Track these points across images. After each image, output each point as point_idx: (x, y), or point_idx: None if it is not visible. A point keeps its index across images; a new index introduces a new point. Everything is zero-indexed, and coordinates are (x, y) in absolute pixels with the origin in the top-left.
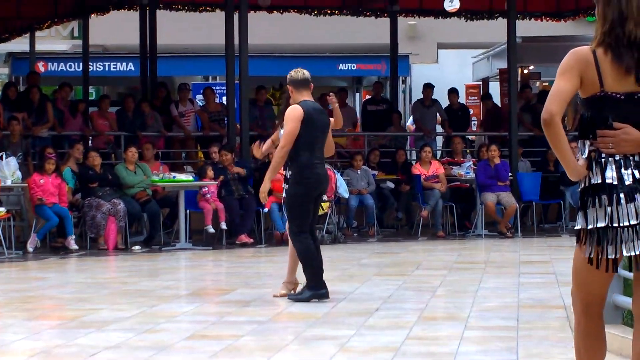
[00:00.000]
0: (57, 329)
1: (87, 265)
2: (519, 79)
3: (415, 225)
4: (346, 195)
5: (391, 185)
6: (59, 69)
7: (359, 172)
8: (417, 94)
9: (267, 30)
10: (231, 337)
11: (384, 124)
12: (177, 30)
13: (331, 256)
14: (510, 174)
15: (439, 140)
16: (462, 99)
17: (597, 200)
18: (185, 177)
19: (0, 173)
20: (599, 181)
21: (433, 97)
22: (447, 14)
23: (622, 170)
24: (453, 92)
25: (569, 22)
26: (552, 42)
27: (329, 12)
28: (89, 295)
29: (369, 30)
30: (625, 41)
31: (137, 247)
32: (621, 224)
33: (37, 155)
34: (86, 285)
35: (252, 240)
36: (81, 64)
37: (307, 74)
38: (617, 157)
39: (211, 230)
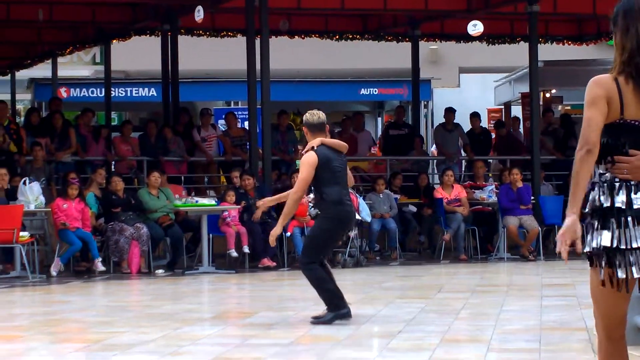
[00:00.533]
0: (82, 352)
1: (111, 289)
2: (541, 102)
3: (438, 248)
4: (369, 219)
5: (413, 209)
6: (81, 95)
7: (381, 196)
8: (439, 118)
9: (288, 55)
10: (254, 359)
11: (406, 148)
12: (199, 55)
13: (354, 279)
14: (532, 198)
15: (462, 164)
16: (484, 123)
17: (605, 222)
18: (207, 202)
19: (23, 198)
20: (609, 205)
21: (455, 121)
22: (468, 38)
23: (632, 195)
24: (475, 116)
25: (590, 45)
26: (574, 65)
27: (350, 36)
28: (112, 318)
29: (391, 55)
30: None
31: (160, 271)
32: (628, 247)
33: (60, 180)
34: (110, 309)
35: (274, 263)
36: (103, 89)
37: (322, 117)
38: (630, 183)
39: (234, 254)
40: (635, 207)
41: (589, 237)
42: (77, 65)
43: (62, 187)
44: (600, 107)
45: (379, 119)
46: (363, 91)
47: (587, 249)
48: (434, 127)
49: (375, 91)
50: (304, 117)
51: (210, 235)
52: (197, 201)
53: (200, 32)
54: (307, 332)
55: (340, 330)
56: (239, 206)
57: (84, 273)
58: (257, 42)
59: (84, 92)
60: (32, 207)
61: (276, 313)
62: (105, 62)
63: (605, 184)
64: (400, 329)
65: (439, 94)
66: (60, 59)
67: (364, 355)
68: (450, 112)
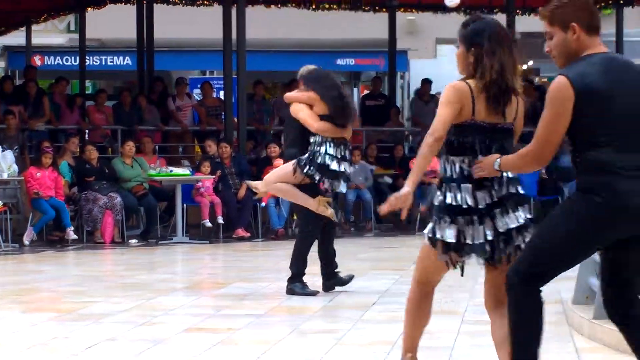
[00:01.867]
0: (54, 322)
1: (84, 259)
2: None
3: (413, 220)
4: (344, 190)
5: (389, 180)
6: (56, 63)
7: (356, 167)
8: (416, 89)
9: (265, 25)
10: (227, 330)
11: (382, 119)
12: (175, 24)
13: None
14: None
15: None
16: None
17: (452, 218)
18: (182, 171)
19: None
20: (456, 203)
21: (431, 92)
22: (446, 9)
23: (479, 195)
24: None
25: None
26: None
27: (327, 6)
28: (85, 288)
29: (368, 25)
30: (503, 87)
31: (133, 241)
32: (471, 242)
33: (34, 149)
34: (83, 278)
35: (249, 234)
36: (78, 57)
37: (308, 67)
38: (479, 183)
39: (208, 224)
40: (480, 206)
41: (435, 225)
42: (51, 33)
43: (36, 156)
44: (453, 109)
45: (355, 90)
46: (339, 61)
47: (430, 235)
48: (410, 98)
49: (352, 62)
50: (300, 71)
51: (185, 205)
52: (171, 171)
53: (176, 0)
54: (281, 303)
55: (314, 301)
56: (213, 176)
57: (57, 242)
58: (233, 11)
59: (58, 61)
60: (4, 176)
61: (250, 284)
62: (79, 30)
63: (457, 183)
64: (374, 300)
65: (416, 65)
66: (34, 27)
67: (338, 327)
68: (426, 83)
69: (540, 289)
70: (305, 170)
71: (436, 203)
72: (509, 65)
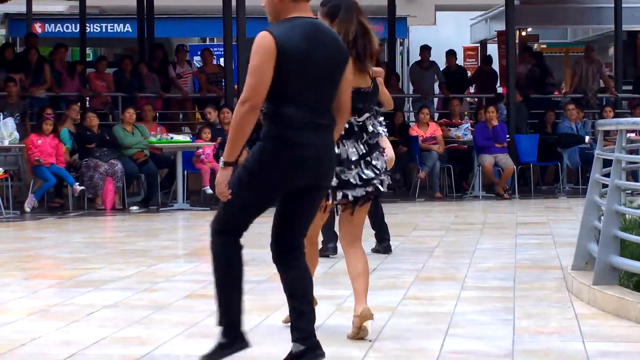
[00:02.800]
0: (55, 288)
1: (85, 225)
2: (517, 41)
3: (413, 186)
4: None
5: None
6: (56, 30)
7: None
8: (415, 56)
9: None
10: None
11: None
12: None
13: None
14: (507, 136)
15: (436, 101)
16: (459, 61)
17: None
18: (182, 138)
19: None
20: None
21: (431, 59)
22: None
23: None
24: (451, 54)
25: None
26: (551, 3)
27: None
28: (86, 255)
29: None
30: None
31: (134, 208)
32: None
33: (35, 116)
34: (84, 245)
35: None
36: (78, 25)
37: None
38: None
39: (209, 191)
40: (353, 158)
41: None
42: (51, 1)
43: (37, 123)
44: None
45: None
46: None
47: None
48: (410, 65)
49: None
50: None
51: (185, 172)
52: (172, 138)
53: None
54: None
55: (316, 268)
56: (214, 143)
57: (58, 209)
58: None
59: (59, 28)
60: (5, 143)
61: (250, 250)
62: None
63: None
64: (375, 266)
65: (415, 32)
66: None
67: (339, 293)
68: (426, 50)
69: (237, 237)
70: None
71: None
72: (363, 31)
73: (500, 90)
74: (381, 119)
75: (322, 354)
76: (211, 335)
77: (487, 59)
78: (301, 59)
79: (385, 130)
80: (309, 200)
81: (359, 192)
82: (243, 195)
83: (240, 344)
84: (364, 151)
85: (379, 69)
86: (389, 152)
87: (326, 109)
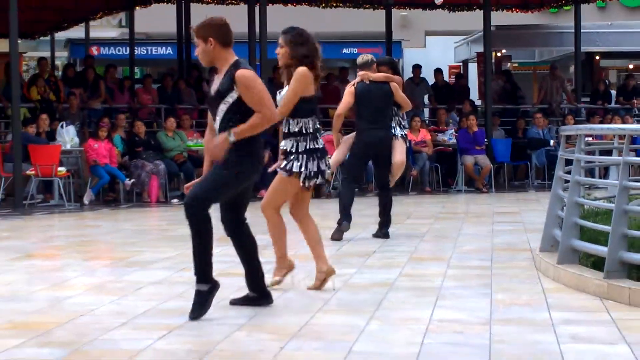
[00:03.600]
0: (109, 268)
1: (134, 215)
2: (493, 60)
3: (407, 182)
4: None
5: None
6: (109, 53)
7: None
8: (408, 73)
9: (282, 19)
10: None
11: None
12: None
13: (336, 208)
14: (485, 140)
15: (426, 112)
16: (445, 77)
17: (311, 157)
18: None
19: (61, 139)
20: (314, 147)
21: (421, 76)
22: (433, 6)
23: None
24: (438, 72)
25: (535, 13)
26: (521, 29)
27: (334, 4)
28: (135, 240)
29: (368, 20)
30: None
31: (175, 200)
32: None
33: (92, 124)
34: (133, 232)
35: None
36: (128, 48)
37: (367, 57)
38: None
39: None
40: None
41: (295, 164)
42: (106, 28)
43: (94, 130)
44: (310, 90)
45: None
46: (344, 50)
47: (296, 169)
48: (404, 81)
49: (355, 50)
50: (357, 61)
51: None
52: None
53: (209, 0)
54: (297, 251)
55: (325, 250)
56: None
57: (111, 202)
58: (257, 8)
59: (112, 51)
60: (68, 147)
61: (265, 236)
62: (129, 25)
63: (310, 135)
64: (375, 249)
65: (408, 53)
66: (92, 23)
67: (345, 271)
68: (417, 68)
69: (209, 211)
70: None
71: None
72: (319, 54)
73: (479, 102)
74: (404, 122)
75: (272, 301)
76: (239, 307)
77: (459, 76)
78: None
79: (404, 132)
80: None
81: (320, 179)
82: (220, 184)
83: (212, 292)
84: (307, 147)
85: (398, 77)
86: (400, 156)
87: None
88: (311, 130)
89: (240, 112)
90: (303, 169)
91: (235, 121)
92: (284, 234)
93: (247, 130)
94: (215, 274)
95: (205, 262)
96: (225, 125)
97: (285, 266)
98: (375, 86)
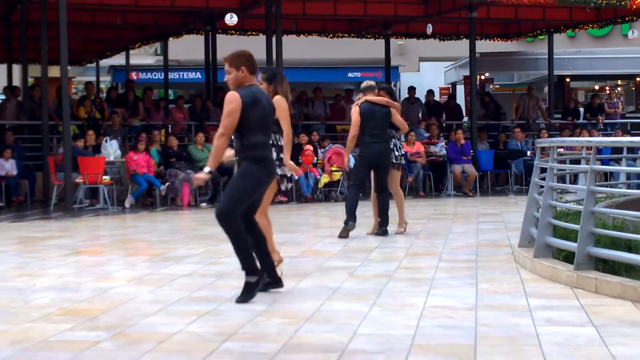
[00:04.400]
0: (147, 262)
1: (168, 217)
2: (477, 83)
3: (403, 188)
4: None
5: None
6: (147, 77)
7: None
8: (404, 94)
9: (296, 48)
10: None
11: None
12: (232, 48)
13: (343, 210)
14: (472, 151)
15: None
16: (436, 97)
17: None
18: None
19: (105, 151)
20: (280, 156)
21: (416, 96)
22: (425, 36)
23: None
24: (430, 93)
25: (514, 41)
26: (502, 56)
27: (340, 35)
28: (169, 238)
29: (369, 48)
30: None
31: (204, 204)
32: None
33: (132, 139)
34: (168, 231)
35: (286, 198)
36: (163, 73)
37: (370, 83)
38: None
39: None
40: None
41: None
42: (143, 56)
43: (133, 144)
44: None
45: (361, 95)
46: (349, 74)
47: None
48: (401, 100)
49: (359, 74)
50: (361, 86)
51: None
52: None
53: (232, 31)
54: (309, 247)
55: (334, 246)
56: None
57: (149, 206)
58: (274, 39)
59: (149, 75)
60: (111, 158)
61: (287, 234)
62: (164, 53)
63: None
64: (376, 245)
65: (404, 77)
66: (131, 51)
67: (351, 264)
68: (412, 89)
69: (239, 218)
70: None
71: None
72: (288, 89)
73: (465, 118)
74: (400, 144)
75: (282, 285)
76: (259, 295)
77: (451, 96)
78: (254, 107)
79: (399, 153)
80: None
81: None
82: (244, 192)
83: (258, 284)
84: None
85: (397, 104)
86: (396, 188)
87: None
88: (280, 143)
89: (237, 129)
90: (280, 172)
91: (235, 137)
92: (271, 232)
93: (212, 155)
94: (238, 266)
95: (248, 259)
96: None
97: (275, 259)
98: (377, 107)
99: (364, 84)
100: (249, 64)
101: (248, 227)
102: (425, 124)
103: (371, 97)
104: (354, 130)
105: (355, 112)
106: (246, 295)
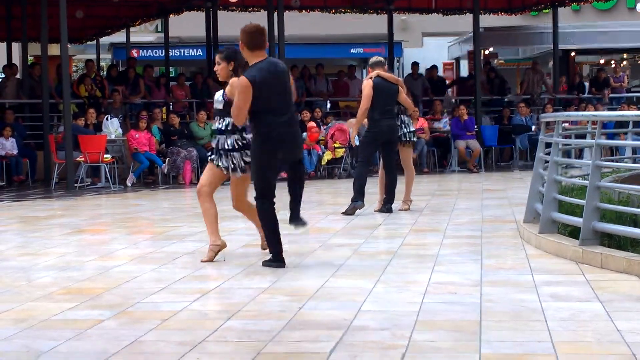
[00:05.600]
0: (149, 241)
1: (170, 195)
2: (482, 57)
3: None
4: (357, 143)
5: None
6: (147, 55)
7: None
8: (408, 70)
9: (298, 24)
10: None
11: None
12: (233, 25)
13: (347, 187)
14: (475, 126)
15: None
16: (440, 72)
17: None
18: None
19: (106, 130)
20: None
21: (419, 72)
22: (429, 11)
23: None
24: (433, 68)
25: (518, 15)
26: (506, 30)
27: (343, 10)
28: (172, 216)
29: (372, 23)
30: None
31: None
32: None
33: (133, 117)
34: (170, 209)
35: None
36: (163, 50)
37: (379, 58)
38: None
39: None
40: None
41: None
42: (144, 33)
43: (134, 122)
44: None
45: (364, 71)
46: (352, 50)
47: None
48: (404, 76)
49: (361, 50)
50: (370, 61)
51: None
52: None
53: (233, 8)
54: (313, 225)
55: (337, 223)
56: None
57: (151, 184)
58: (275, 15)
59: (150, 53)
60: (112, 137)
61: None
62: (165, 30)
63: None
64: (380, 222)
65: (407, 52)
66: (132, 29)
67: (355, 241)
68: (415, 65)
69: (271, 200)
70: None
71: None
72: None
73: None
74: (407, 120)
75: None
76: (263, 273)
77: (470, 76)
78: (265, 84)
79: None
80: None
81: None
82: (262, 172)
83: (282, 263)
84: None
85: (402, 82)
86: (409, 166)
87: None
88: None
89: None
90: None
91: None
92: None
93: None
94: (242, 244)
95: (274, 243)
96: None
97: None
98: (388, 83)
99: (373, 59)
100: (246, 39)
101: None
102: (429, 99)
103: (382, 73)
104: (366, 103)
105: (368, 85)
106: (271, 264)
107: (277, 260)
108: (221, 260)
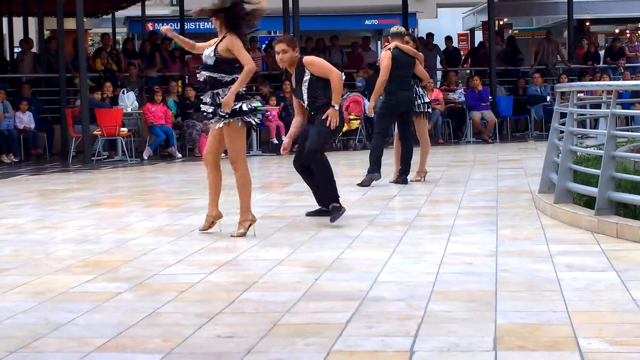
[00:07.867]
0: (166, 213)
1: (186, 168)
2: (496, 28)
3: None
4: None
5: None
6: None
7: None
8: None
9: None
10: (291, 217)
11: None
12: None
13: (362, 158)
14: (490, 97)
15: (439, 74)
16: (454, 43)
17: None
18: (255, 104)
19: (122, 103)
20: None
21: (434, 42)
22: None
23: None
24: (448, 39)
25: None
26: (520, 0)
27: None
28: (188, 189)
29: None
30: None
31: (222, 155)
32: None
33: (149, 90)
34: (186, 182)
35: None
36: (179, 23)
37: (400, 29)
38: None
39: (275, 141)
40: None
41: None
42: (159, 6)
43: (150, 95)
44: None
45: (379, 42)
46: (367, 22)
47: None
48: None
49: (376, 22)
50: (390, 30)
51: (258, 128)
52: None
53: None
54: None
55: (352, 195)
56: (278, 107)
57: (167, 157)
58: None
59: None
60: (129, 110)
61: (305, 184)
62: (180, 3)
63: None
64: (396, 193)
65: (422, 23)
66: (147, 2)
67: (370, 213)
68: (430, 36)
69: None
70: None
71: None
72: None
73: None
74: (422, 92)
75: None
76: (279, 245)
77: (481, 45)
78: None
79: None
80: None
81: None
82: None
83: (342, 207)
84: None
85: (421, 55)
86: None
87: None
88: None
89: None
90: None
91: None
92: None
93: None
94: (259, 216)
95: (333, 187)
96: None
97: (249, 219)
98: (405, 55)
99: (393, 29)
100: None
101: (304, 169)
102: (444, 70)
103: (401, 45)
104: (385, 74)
105: (387, 56)
106: (335, 214)
107: (339, 207)
108: (251, 234)
